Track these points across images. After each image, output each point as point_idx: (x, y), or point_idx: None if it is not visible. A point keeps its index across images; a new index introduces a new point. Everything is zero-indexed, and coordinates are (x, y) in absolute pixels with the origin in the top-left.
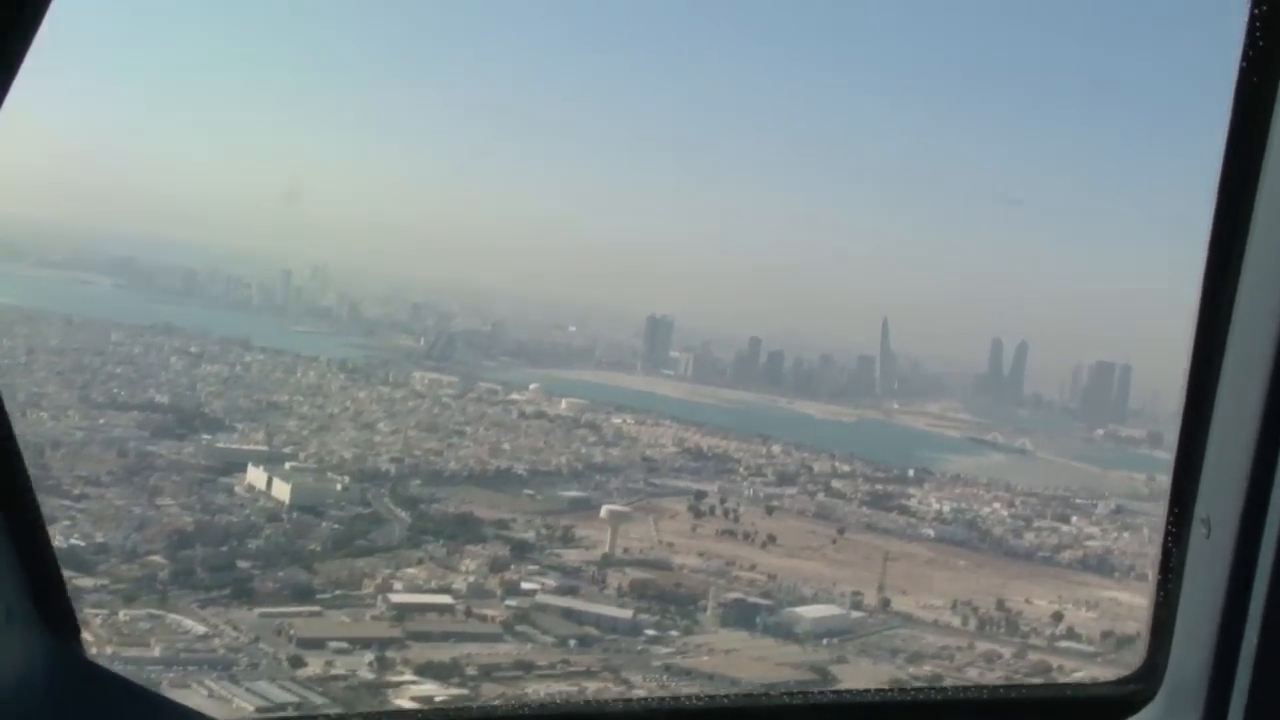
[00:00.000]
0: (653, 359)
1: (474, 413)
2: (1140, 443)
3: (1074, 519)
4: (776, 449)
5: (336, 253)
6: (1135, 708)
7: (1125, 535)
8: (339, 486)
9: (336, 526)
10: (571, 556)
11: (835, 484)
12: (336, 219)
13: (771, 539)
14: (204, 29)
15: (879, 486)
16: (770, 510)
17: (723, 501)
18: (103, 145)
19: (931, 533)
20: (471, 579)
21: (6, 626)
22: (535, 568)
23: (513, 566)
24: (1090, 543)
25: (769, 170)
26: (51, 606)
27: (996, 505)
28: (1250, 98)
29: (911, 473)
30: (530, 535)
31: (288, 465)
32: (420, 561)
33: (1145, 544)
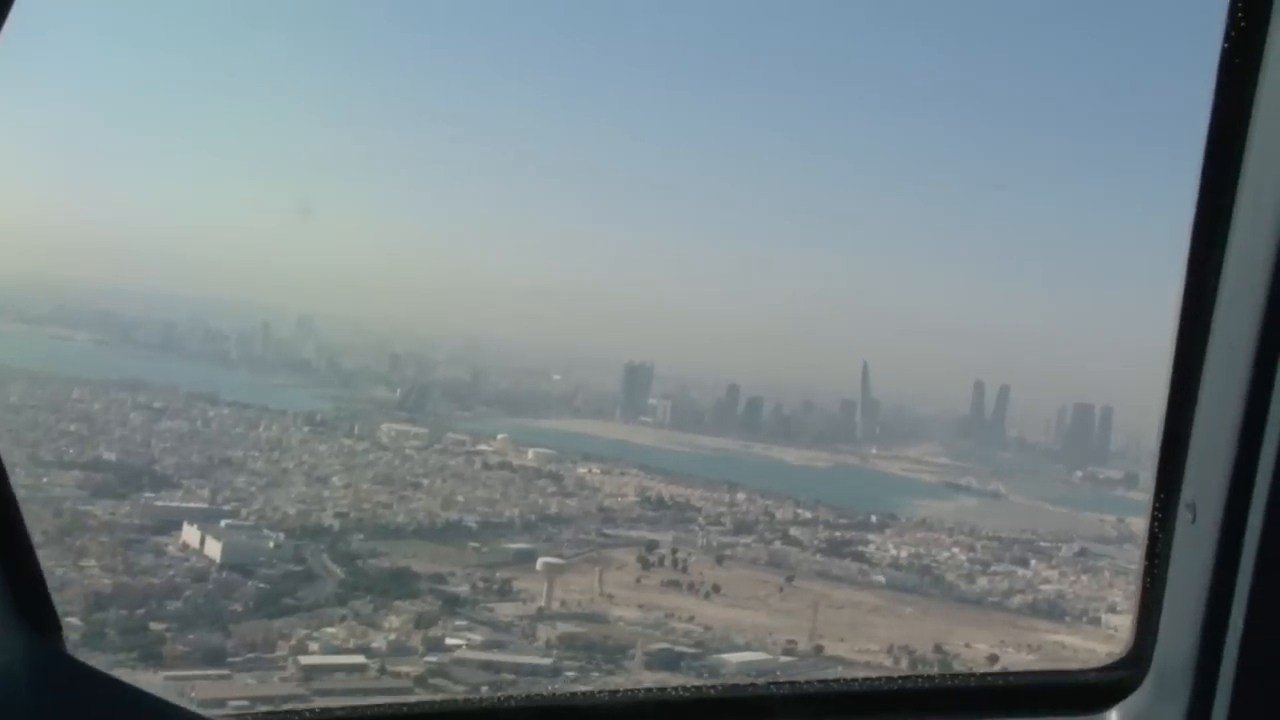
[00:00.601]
0: (631, 406)
1: (435, 464)
2: (1117, 484)
3: (1033, 562)
4: (741, 496)
5: (321, 303)
6: (1123, 693)
7: (1084, 578)
8: (271, 544)
9: (263, 586)
10: (505, 610)
11: (794, 531)
12: (321, 268)
13: (716, 589)
14: (188, 73)
15: (838, 533)
16: (721, 559)
17: (674, 552)
18: (84, 195)
19: (882, 579)
20: (393, 636)
21: None
22: (464, 623)
23: (440, 622)
24: (1045, 586)
25: (752, 215)
26: (32, 603)
27: (956, 550)
28: (1231, 89)
29: (874, 519)
30: (464, 589)
31: (224, 523)
32: (343, 619)
33: (1104, 587)
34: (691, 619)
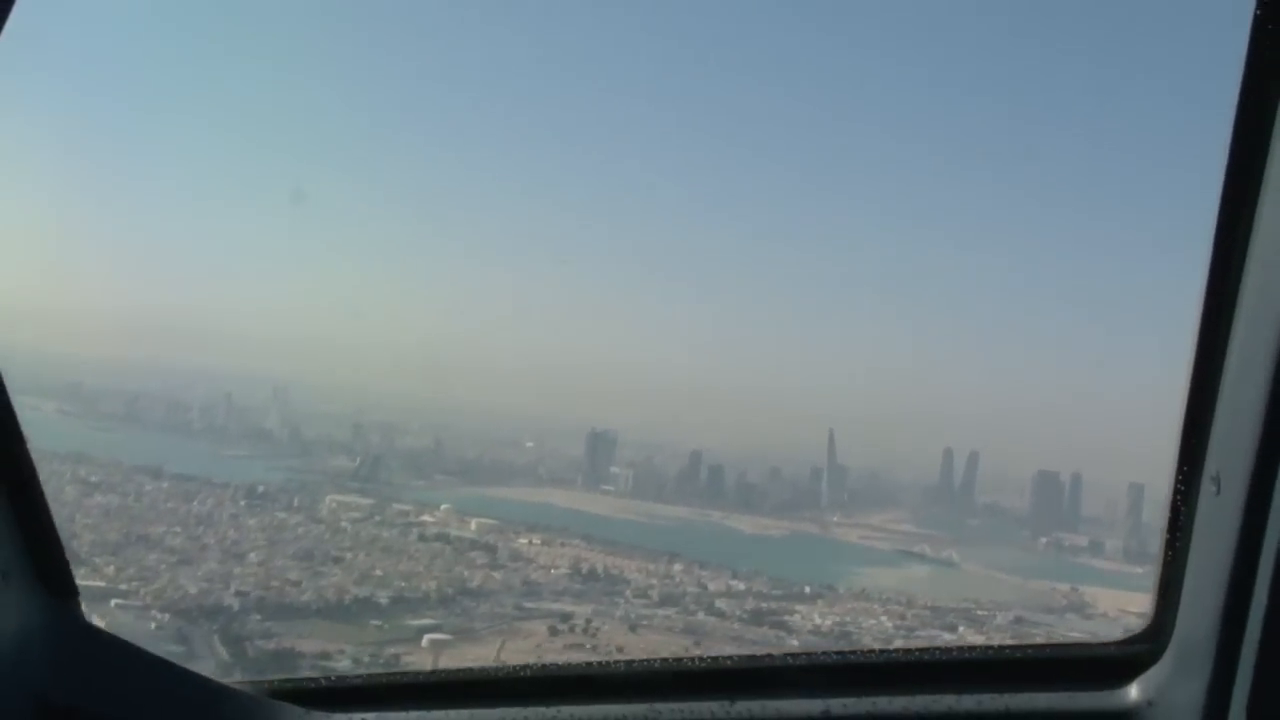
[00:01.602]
0: (594, 474)
1: (368, 537)
2: (1080, 551)
3: (961, 629)
4: (678, 567)
5: (293, 370)
6: (1143, 667)
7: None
8: (154, 625)
9: None
10: None
11: (720, 603)
12: (290, 335)
13: (620, 650)
14: (160, 133)
15: (766, 604)
16: (634, 628)
17: (588, 622)
18: (53, 265)
19: (796, 643)
20: None
21: (4, 587)
22: None
23: None
24: None
25: (722, 285)
26: (49, 568)
27: (884, 618)
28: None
29: (809, 589)
30: (345, 665)
31: (112, 603)
32: None
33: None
34: None
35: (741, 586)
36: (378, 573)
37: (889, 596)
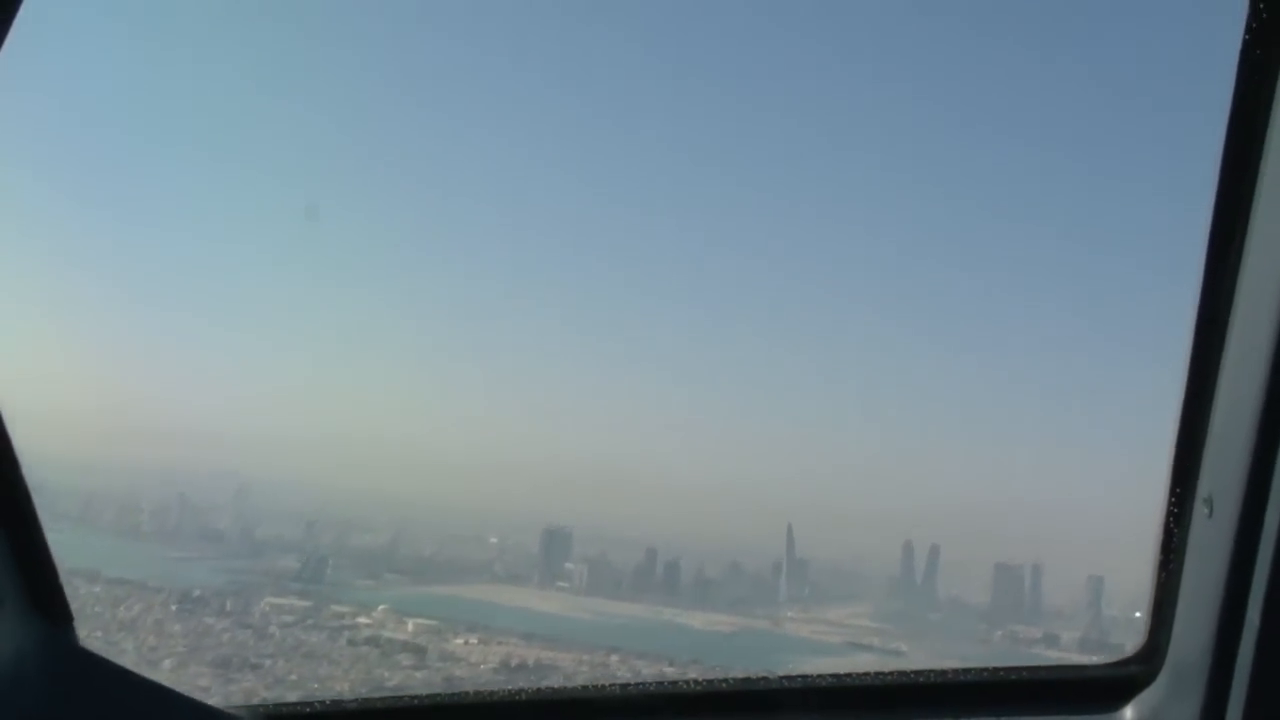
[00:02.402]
0: (548, 571)
1: (294, 641)
2: (1035, 643)
3: None
4: (615, 658)
5: (257, 467)
6: (1137, 689)
7: None
8: None
9: None
10: None
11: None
12: (253, 430)
13: None
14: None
15: None
16: None
17: None
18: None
19: None
20: None
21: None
22: None
23: None
24: None
25: (680, 378)
26: (44, 593)
27: None
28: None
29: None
30: None
31: None
32: None
33: None
34: None
35: (673, 672)
36: (292, 678)
37: None
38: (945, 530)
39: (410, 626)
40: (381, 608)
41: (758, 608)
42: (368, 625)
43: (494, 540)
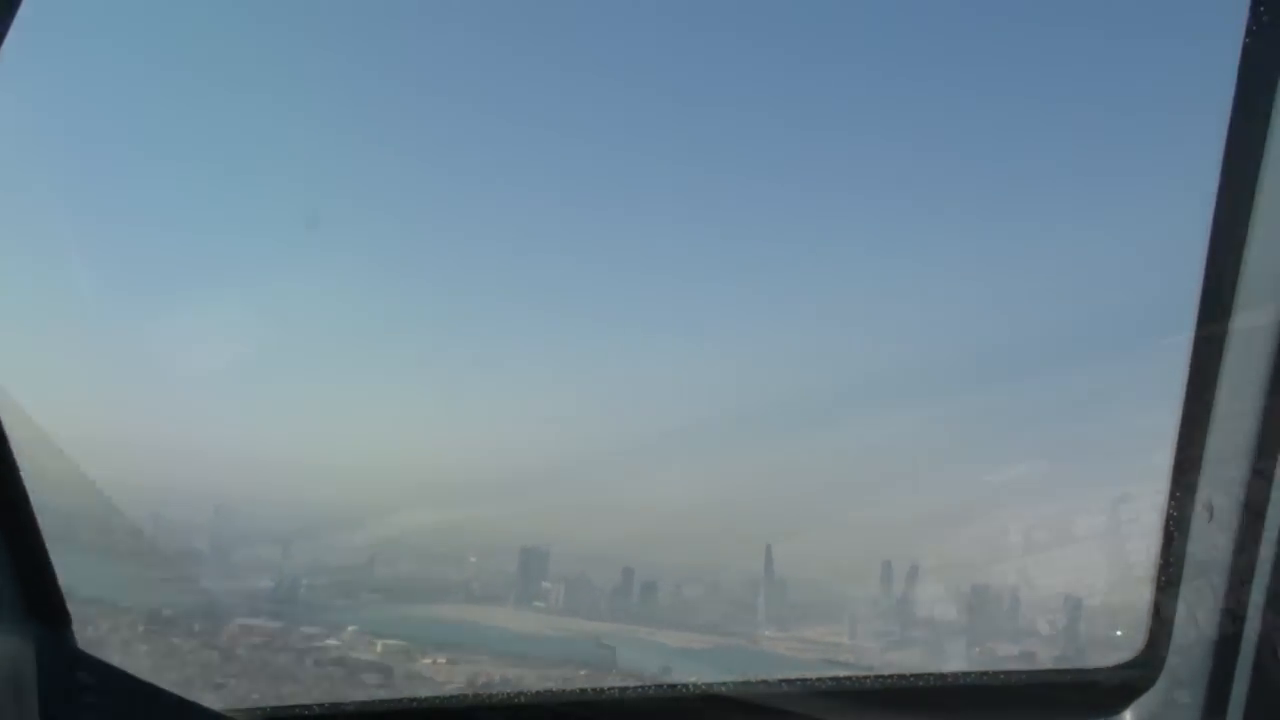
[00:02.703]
0: (526, 591)
1: (259, 662)
2: (1011, 660)
3: None
4: (583, 673)
5: (235, 485)
6: (1137, 693)
7: None
8: None
9: None
10: None
11: None
12: (228, 447)
13: None
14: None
15: None
16: None
17: None
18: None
19: None
20: None
21: None
22: None
23: None
24: None
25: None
26: (42, 595)
27: None
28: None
29: None
30: None
31: None
32: None
33: None
34: None
35: (637, 685)
36: (254, 697)
37: None
38: (925, 548)
39: (379, 647)
40: (351, 629)
41: (735, 627)
42: (336, 646)
43: (473, 560)
